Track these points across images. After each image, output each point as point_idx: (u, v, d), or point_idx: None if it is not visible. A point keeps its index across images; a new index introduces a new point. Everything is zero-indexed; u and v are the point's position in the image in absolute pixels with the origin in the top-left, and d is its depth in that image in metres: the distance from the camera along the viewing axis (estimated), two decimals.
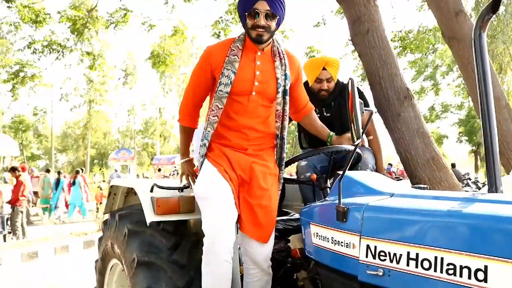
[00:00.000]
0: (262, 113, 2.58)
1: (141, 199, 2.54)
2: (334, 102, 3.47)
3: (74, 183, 15.54)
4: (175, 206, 2.48)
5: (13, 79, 11.57)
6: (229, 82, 2.45)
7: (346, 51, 13.75)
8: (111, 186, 3.40)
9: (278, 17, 2.47)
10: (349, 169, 2.18)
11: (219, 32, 10.80)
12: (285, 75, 2.58)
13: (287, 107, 2.63)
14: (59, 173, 16.10)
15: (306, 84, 3.53)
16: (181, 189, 2.59)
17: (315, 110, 3.49)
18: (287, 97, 2.61)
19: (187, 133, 2.77)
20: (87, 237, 10.37)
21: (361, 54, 4.10)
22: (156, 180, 2.73)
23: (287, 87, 2.60)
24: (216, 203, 2.36)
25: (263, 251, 2.52)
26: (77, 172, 16.29)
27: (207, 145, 2.55)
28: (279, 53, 2.59)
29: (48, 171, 17.04)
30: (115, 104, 47.03)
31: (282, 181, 2.69)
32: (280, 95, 2.57)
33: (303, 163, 3.29)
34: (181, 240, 2.55)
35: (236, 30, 11.19)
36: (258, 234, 2.47)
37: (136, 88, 48.22)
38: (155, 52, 11.59)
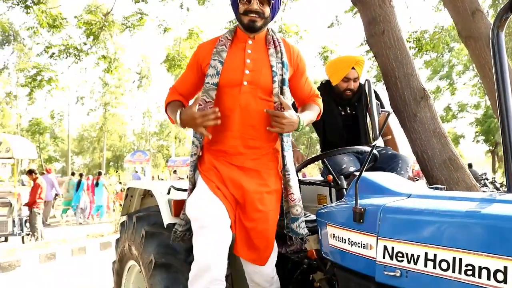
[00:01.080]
0: (258, 107, 2.29)
1: (158, 201, 2.56)
2: (358, 101, 3.46)
3: (97, 184, 16.00)
4: None
5: (31, 83, 11.73)
6: (215, 73, 2.26)
7: (360, 51, 13.69)
8: (128, 188, 3.43)
9: (273, 2, 2.27)
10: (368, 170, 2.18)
11: None
12: (282, 63, 2.33)
13: (287, 100, 2.35)
14: (80, 175, 16.56)
15: (328, 83, 3.52)
16: None
17: (339, 109, 3.50)
18: (286, 88, 2.34)
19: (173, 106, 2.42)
20: (103, 239, 10.47)
21: (376, 55, 4.09)
22: (173, 182, 2.75)
23: (286, 76, 2.33)
24: (209, 228, 2.13)
25: (262, 273, 2.44)
26: (99, 173, 16.63)
27: (198, 146, 2.35)
28: (273, 40, 2.37)
29: (73, 174, 17.73)
30: (130, 106, 47.44)
31: (291, 183, 2.43)
32: (276, 84, 2.29)
33: (345, 158, 3.22)
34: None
35: None
36: (254, 257, 2.34)
37: (151, 91, 48.58)
38: (171, 55, 11.67)
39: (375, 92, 3.51)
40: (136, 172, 22.60)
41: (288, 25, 11.16)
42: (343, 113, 3.49)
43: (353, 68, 3.38)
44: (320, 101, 2.62)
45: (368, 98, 1.88)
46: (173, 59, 11.58)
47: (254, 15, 2.24)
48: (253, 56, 2.31)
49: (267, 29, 2.38)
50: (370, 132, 1.87)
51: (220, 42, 2.33)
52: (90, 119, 47.86)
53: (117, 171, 31.39)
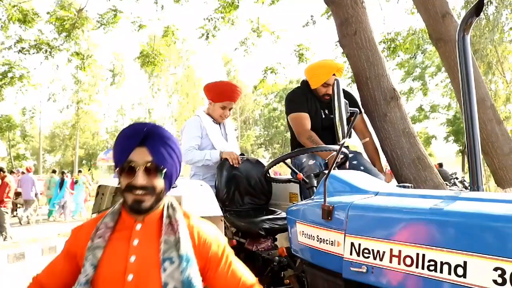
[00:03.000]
0: None
1: None
2: None
3: (76, 182, 16.19)
4: None
5: (1, 80, 11.47)
6: (84, 281, 1.59)
7: (336, 53, 13.82)
8: (99, 186, 3.41)
9: (165, 170, 1.65)
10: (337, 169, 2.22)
11: (207, 34, 10.78)
12: (180, 257, 1.60)
13: None
14: (62, 173, 16.83)
15: (306, 84, 3.56)
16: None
17: (319, 113, 3.51)
18: None
19: None
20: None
21: (348, 55, 4.13)
22: None
23: (191, 277, 1.58)
24: None
25: None
26: (80, 171, 16.62)
27: None
28: (171, 223, 1.68)
29: (54, 172, 17.67)
30: (103, 104, 46.81)
31: None
32: None
33: (311, 162, 3.27)
34: None
35: (225, 31, 11.19)
36: None
37: (125, 89, 48.06)
38: (145, 51, 11.57)
39: (347, 92, 3.57)
40: None
41: (264, 25, 11.19)
42: (324, 116, 3.54)
43: (333, 74, 3.43)
44: None
45: (336, 97, 1.91)
46: (147, 55, 11.48)
47: (140, 192, 1.60)
48: (140, 250, 1.63)
49: (164, 205, 1.73)
50: (339, 130, 1.90)
51: (98, 232, 1.66)
52: (62, 117, 47.06)
53: (89, 169, 30.93)
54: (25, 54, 10.98)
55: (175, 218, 1.69)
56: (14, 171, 19.51)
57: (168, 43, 12.05)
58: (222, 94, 3.58)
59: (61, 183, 15.70)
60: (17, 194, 14.63)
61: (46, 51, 11.11)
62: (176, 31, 11.54)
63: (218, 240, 1.75)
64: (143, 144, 1.63)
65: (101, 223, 1.68)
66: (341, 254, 1.91)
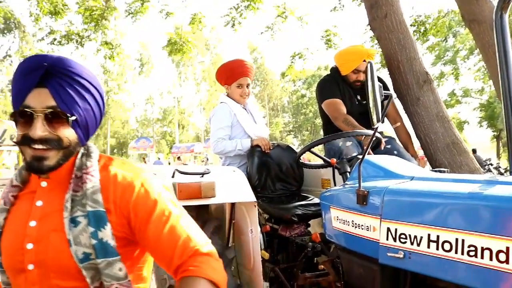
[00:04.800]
0: None
1: None
2: None
3: None
4: (196, 191, 2.50)
5: None
6: None
7: (365, 38, 13.59)
8: None
9: (75, 117, 1.27)
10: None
11: (233, 22, 10.75)
12: (88, 216, 1.26)
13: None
14: None
15: (336, 71, 3.51)
16: (202, 174, 2.62)
17: (352, 100, 3.46)
18: (114, 259, 1.27)
19: None
20: None
21: (379, 38, 4.07)
22: (177, 166, 2.76)
23: (105, 240, 1.26)
24: None
25: None
26: None
27: None
28: (81, 175, 1.31)
29: None
30: (132, 93, 47.47)
31: None
32: (84, 260, 1.25)
33: (348, 143, 3.21)
34: (203, 224, 2.59)
35: (251, 19, 11.12)
36: None
37: (153, 78, 48.53)
38: (172, 40, 11.61)
39: (378, 76, 3.49)
40: (159, 159, 22.76)
41: (291, 9, 11.08)
42: (357, 102, 3.49)
43: (364, 60, 3.37)
44: (211, 263, 1.26)
45: (370, 80, 1.88)
46: (175, 43, 11.52)
47: (40, 146, 1.24)
48: (43, 212, 1.31)
49: (82, 154, 1.37)
50: (373, 114, 1.88)
51: (4, 193, 1.39)
52: None
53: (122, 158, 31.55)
54: (56, 45, 11.17)
55: (87, 168, 1.32)
56: None
57: (195, 31, 12.05)
58: (232, 73, 3.52)
59: None
60: None
61: (76, 41, 11.29)
62: (203, 18, 11.55)
63: (145, 189, 1.32)
64: (43, 84, 1.24)
65: (9, 183, 1.40)
66: (377, 240, 1.89)
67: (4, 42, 52.74)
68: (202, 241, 1.30)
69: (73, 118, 1.27)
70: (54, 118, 1.24)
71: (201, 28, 12.08)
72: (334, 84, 3.52)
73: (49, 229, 1.28)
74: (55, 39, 11.46)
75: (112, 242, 1.26)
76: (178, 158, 23.55)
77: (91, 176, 1.31)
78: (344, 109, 3.43)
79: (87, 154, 1.37)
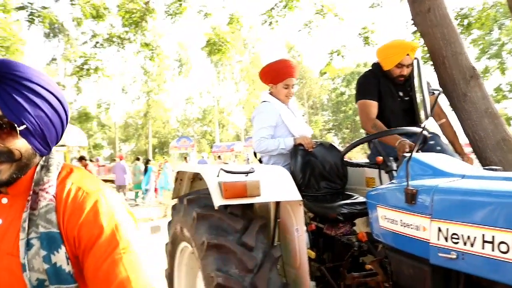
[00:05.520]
0: None
1: (208, 183, 2.60)
2: (411, 86, 3.36)
3: (163, 168, 17.27)
4: (241, 190, 2.52)
5: (78, 72, 12.08)
6: None
7: (407, 33, 13.30)
8: (178, 172, 3.51)
9: (26, 125, 1.13)
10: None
11: (271, 20, 10.74)
12: (41, 238, 1.12)
13: None
14: (148, 161, 18.14)
15: (378, 67, 3.44)
16: (246, 173, 2.63)
17: (392, 96, 3.40)
18: (69, 287, 1.12)
19: None
20: (153, 223, 10.74)
21: (423, 33, 3.98)
22: (222, 165, 2.79)
23: (58, 264, 1.11)
24: None
25: None
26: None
27: None
28: (37, 193, 1.16)
29: (138, 159, 18.89)
30: (172, 93, 48.21)
31: None
32: (34, 284, 1.11)
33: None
34: (249, 223, 2.61)
35: (288, 17, 11.07)
36: None
37: (192, 77, 49.13)
38: (211, 40, 11.72)
39: None
40: (203, 157, 23.18)
41: (328, 6, 10.98)
42: (399, 99, 3.41)
43: (407, 54, 3.28)
44: None
45: (417, 77, 1.84)
46: (214, 43, 11.63)
47: None
48: (1, 231, 1.17)
49: (42, 166, 1.23)
50: (421, 111, 1.84)
51: None
52: (134, 107, 48.96)
53: (164, 157, 32.05)
54: (99, 48, 11.47)
55: (43, 184, 1.17)
56: (93, 160, 20.61)
57: (233, 31, 12.12)
58: (280, 72, 3.50)
59: (145, 170, 16.71)
60: None
61: (118, 43, 11.56)
62: (241, 18, 11.60)
63: (94, 213, 1.13)
64: None
65: None
66: (427, 239, 1.86)
67: (50, 47, 54.51)
68: (149, 285, 1.13)
69: (23, 127, 1.12)
70: (0, 129, 1.10)
71: (239, 28, 12.15)
72: (373, 82, 3.44)
73: (4, 252, 1.13)
74: (97, 42, 11.77)
75: (67, 268, 1.11)
76: (219, 157, 23.73)
77: (45, 193, 1.16)
78: (374, 113, 3.36)
79: (46, 167, 1.21)
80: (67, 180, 1.20)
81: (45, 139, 1.19)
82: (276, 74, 3.49)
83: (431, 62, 3.95)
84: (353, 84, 44.22)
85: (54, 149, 1.27)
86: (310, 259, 2.82)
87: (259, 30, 46.21)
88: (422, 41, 4.15)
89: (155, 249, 7.66)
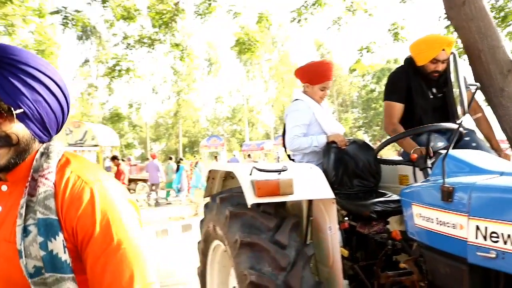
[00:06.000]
0: None
1: (241, 182, 2.61)
2: (446, 82, 3.23)
3: (196, 167, 17.99)
4: (274, 189, 2.52)
5: (110, 73, 12.29)
6: None
7: (439, 28, 13.02)
8: (210, 171, 3.53)
9: (24, 109, 1.10)
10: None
11: (299, 19, 10.70)
12: (38, 224, 1.08)
13: None
14: (180, 160, 18.70)
15: (410, 62, 3.37)
16: (279, 171, 2.63)
17: (426, 93, 3.34)
18: (64, 276, 1.08)
19: None
20: (184, 221, 10.86)
21: (457, 27, 3.88)
22: (254, 164, 2.79)
23: (55, 252, 1.07)
24: None
25: None
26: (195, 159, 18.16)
27: None
28: (38, 178, 1.14)
29: (170, 158, 19.55)
30: (202, 93, 48.58)
31: None
32: (35, 278, 1.07)
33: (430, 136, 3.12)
34: (282, 221, 2.60)
35: (318, 15, 10.99)
36: None
37: (221, 76, 49.39)
38: (241, 39, 11.75)
39: None
40: (234, 156, 23.40)
41: (358, 2, 10.87)
42: (432, 96, 3.34)
43: (443, 49, 3.20)
44: None
45: (454, 72, 1.80)
46: (243, 43, 11.65)
47: None
48: (0, 218, 1.16)
49: (38, 152, 1.19)
50: (458, 107, 1.80)
51: None
52: (165, 107, 49.54)
53: (194, 156, 32.35)
54: (131, 49, 11.64)
55: (43, 170, 1.15)
56: (124, 159, 20.98)
57: (262, 30, 12.12)
58: (320, 75, 3.49)
59: (177, 169, 17.02)
60: (130, 181, 15.82)
61: (149, 45, 11.71)
62: (270, 16, 11.59)
63: (92, 205, 1.10)
64: None
65: None
66: (465, 238, 1.82)
67: (83, 49, 55.76)
68: (142, 285, 1.07)
69: (20, 111, 1.10)
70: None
71: (268, 27, 12.14)
72: (402, 81, 3.37)
73: (1, 238, 1.12)
74: (128, 44, 11.95)
75: (63, 256, 1.07)
76: (248, 155, 23.82)
77: (45, 179, 1.13)
78: (397, 116, 3.32)
79: (46, 154, 1.18)
80: (66, 168, 1.17)
81: (44, 124, 1.17)
82: (316, 76, 3.49)
83: (466, 57, 3.86)
84: (384, 81, 43.62)
85: (64, 140, 1.25)
86: (343, 257, 2.80)
87: (288, 28, 46.13)
88: (455, 35, 4.05)
89: (186, 247, 7.79)
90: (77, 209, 1.09)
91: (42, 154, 1.18)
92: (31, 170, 1.15)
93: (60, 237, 1.08)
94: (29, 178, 1.14)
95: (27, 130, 1.13)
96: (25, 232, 1.08)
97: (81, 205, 1.09)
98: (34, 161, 1.16)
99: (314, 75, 3.50)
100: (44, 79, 1.14)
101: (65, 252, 1.08)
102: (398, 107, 3.34)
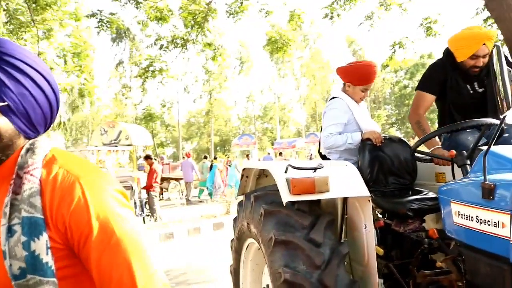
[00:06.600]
0: None
1: (276, 180, 2.61)
2: (487, 76, 3.14)
3: (230, 165, 18.37)
4: (310, 186, 2.51)
5: (144, 74, 12.49)
6: None
7: (476, 20, 12.71)
8: (244, 169, 3.54)
9: (6, 102, 1.06)
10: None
11: (332, 14, 10.62)
12: (22, 224, 1.02)
13: None
14: (214, 158, 19.16)
15: (451, 56, 3.26)
16: (314, 169, 2.61)
17: (467, 87, 3.25)
18: (44, 280, 1.02)
19: None
20: (216, 220, 10.93)
21: (498, 19, 3.77)
22: (287, 162, 2.78)
23: (37, 253, 1.01)
24: None
25: None
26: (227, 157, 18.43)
27: None
28: (21, 177, 1.07)
29: (205, 157, 19.87)
30: (233, 91, 48.82)
31: None
32: (20, 280, 1.01)
33: (468, 133, 3.05)
34: (316, 219, 2.59)
35: (349, 12, 10.87)
36: None
37: (252, 75, 49.51)
38: (273, 38, 11.76)
39: (506, 58, 3.14)
40: (268, 154, 23.54)
41: None
42: (471, 91, 3.23)
43: (483, 44, 3.08)
44: None
45: (497, 65, 1.75)
46: (276, 42, 11.66)
47: None
48: None
49: (24, 148, 1.13)
50: (501, 101, 1.75)
51: None
52: (196, 106, 50.00)
53: (226, 155, 32.58)
54: (164, 51, 11.79)
55: (28, 166, 1.08)
56: (157, 158, 21.28)
57: (294, 28, 12.10)
58: (363, 77, 3.44)
59: (211, 167, 17.30)
60: (162, 180, 16.06)
61: (181, 45, 11.83)
62: (302, 14, 11.55)
63: (85, 200, 1.04)
64: None
65: None
66: (508, 237, 1.76)
67: (117, 51, 56.80)
68: (146, 275, 1.04)
69: (3, 104, 1.05)
70: None
71: (299, 25, 12.11)
72: (439, 73, 3.28)
73: None
74: (162, 45, 12.10)
75: (45, 258, 1.01)
76: (280, 153, 23.80)
77: (30, 175, 1.06)
78: (426, 107, 3.30)
79: (32, 150, 1.11)
80: (53, 164, 1.10)
81: (29, 119, 1.11)
82: (360, 77, 3.44)
83: (506, 49, 3.75)
84: (417, 77, 42.78)
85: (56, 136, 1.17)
86: (377, 256, 2.76)
87: (320, 25, 45.88)
88: (494, 27, 3.93)
89: (218, 245, 7.85)
90: (69, 205, 1.03)
91: (27, 150, 1.11)
92: (16, 167, 1.08)
93: (44, 237, 1.01)
94: (14, 176, 1.07)
95: (11, 124, 1.07)
96: (10, 232, 1.02)
97: (73, 201, 1.03)
98: (19, 157, 1.10)
99: (358, 76, 3.45)
100: (30, 72, 1.09)
101: (47, 254, 1.02)
102: (429, 99, 3.28)
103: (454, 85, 3.23)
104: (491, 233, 1.87)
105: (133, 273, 1.02)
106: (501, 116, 1.75)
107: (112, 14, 11.08)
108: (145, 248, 1.07)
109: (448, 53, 3.28)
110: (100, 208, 1.04)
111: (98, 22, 10.80)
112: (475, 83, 3.21)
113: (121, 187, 1.15)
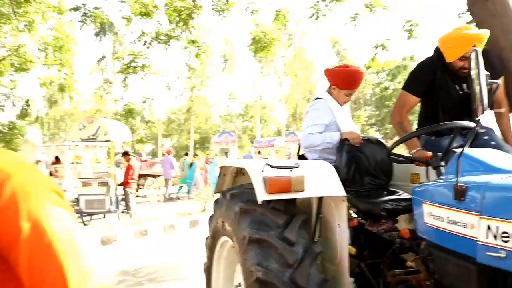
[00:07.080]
0: None
1: (253, 178, 2.60)
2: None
3: (211, 162, 18.51)
4: (286, 185, 2.51)
5: (126, 69, 12.35)
6: None
7: (459, 22, 12.89)
8: (222, 167, 3.53)
9: None
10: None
11: (317, 14, 10.65)
12: None
13: None
14: (195, 156, 19.02)
15: (441, 56, 3.26)
16: (291, 168, 2.62)
17: (454, 88, 3.27)
18: None
19: None
20: (192, 217, 10.89)
21: (479, 24, 3.81)
22: (267, 160, 2.79)
23: None
24: None
25: None
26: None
27: None
28: None
29: (186, 154, 19.83)
30: (215, 89, 48.57)
31: None
32: None
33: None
34: (291, 218, 2.59)
35: (334, 12, 10.92)
36: None
37: (235, 73, 49.35)
38: (257, 37, 11.72)
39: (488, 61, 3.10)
40: (249, 152, 23.50)
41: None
42: (460, 92, 3.25)
43: (473, 45, 3.08)
44: None
45: (474, 69, 1.77)
46: (259, 41, 11.64)
47: None
48: None
49: None
50: (477, 104, 1.76)
51: None
52: (177, 103, 49.63)
53: (207, 153, 32.47)
54: (148, 47, 11.68)
55: None
56: (135, 155, 21.13)
57: (279, 27, 12.09)
58: (350, 82, 3.47)
59: (191, 165, 17.32)
60: (139, 176, 15.96)
61: (165, 42, 11.72)
62: (287, 14, 11.54)
63: (14, 198, 0.95)
64: None
65: None
66: (475, 237, 1.80)
67: (100, 46, 56.14)
68: (80, 276, 0.96)
69: None
70: None
71: (285, 24, 12.11)
72: (427, 74, 3.28)
73: None
74: (145, 41, 11.96)
75: None
76: (259, 152, 23.83)
77: None
78: (408, 109, 3.32)
79: None
80: None
81: None
82: (347, 82, 3.46)
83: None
84: (399, 78, 43.13)
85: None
86: (350, 255, 2.79)
87: (304, 25, 46.00)
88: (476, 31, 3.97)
89: (193, 243, 7.82)
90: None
91: None
92: None
93: None
94: None
95: None
96: None
97: (1, 200, 0.94)
98: None
99: (345, 81, 3.47)
100: None
101: None
102: (412, 100, 3.30)
103: (443, 85, 3.23)
104: (460, 233, 1.91)
105: (65, 274, 0.94)
106: (476, 119, 1.77)
107: (96, 8, 10.91)
108: (81, 248, 0.99)
109: (438, 52, 3.27)
110: (30, 208, 0.96)
111: (82, 16, 10.63)
112: (464, 84, 3.22)
113: (56, 185, 1.08)
